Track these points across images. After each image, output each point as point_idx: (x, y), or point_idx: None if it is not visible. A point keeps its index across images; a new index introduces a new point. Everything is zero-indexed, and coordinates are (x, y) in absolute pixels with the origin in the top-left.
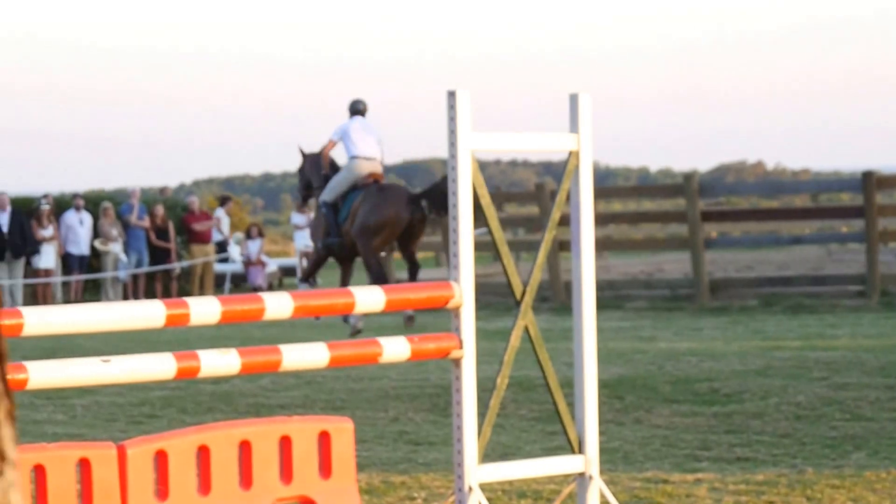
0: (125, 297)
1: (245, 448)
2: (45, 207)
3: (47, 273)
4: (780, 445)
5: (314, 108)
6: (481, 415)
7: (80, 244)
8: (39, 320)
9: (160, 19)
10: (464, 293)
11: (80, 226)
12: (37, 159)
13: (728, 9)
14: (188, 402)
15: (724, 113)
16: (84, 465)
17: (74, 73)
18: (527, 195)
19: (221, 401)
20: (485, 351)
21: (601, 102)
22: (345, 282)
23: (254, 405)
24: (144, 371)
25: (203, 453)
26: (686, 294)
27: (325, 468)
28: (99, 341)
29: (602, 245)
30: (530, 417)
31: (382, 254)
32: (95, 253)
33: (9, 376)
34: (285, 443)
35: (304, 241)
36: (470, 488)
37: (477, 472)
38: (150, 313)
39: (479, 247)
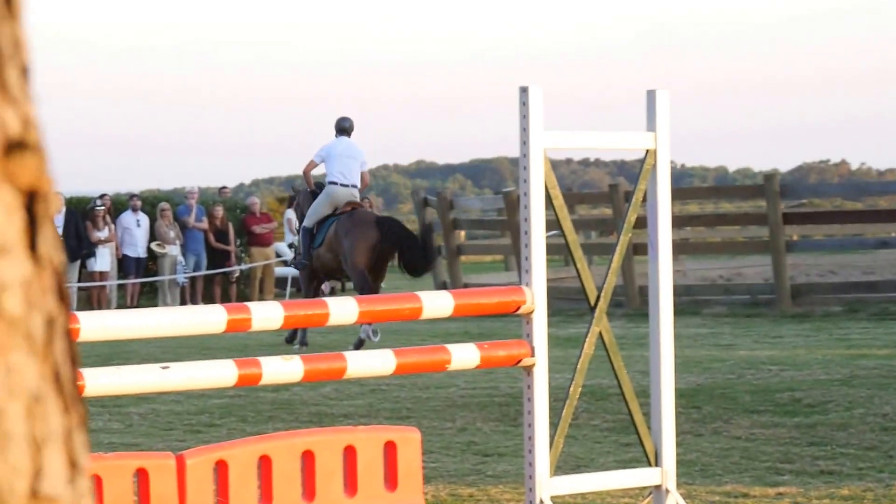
0: (182, 302)
1: (308, 459)
2: (100, 208)
3: (102, 276)
4: (865, 458)
5: (377, 106)
6: (553, 425)
7: (137, 246)
8: (97, 325)
9: (215, 18)
10: (536, 298)
11: (136, 227)
12: (92, 158)
13: None
14: (248, 410)
15: (806, 109)
16: (141, 476)
17: (130, 73)
18: (599, 196)
19: (283, 409)
20: (556, 358)
21: (675, 98)
22: (315, 294)
23: (316, 414)
24: (204, 378)
25: (264, 464)
26: (766, 300)
27: (391, 480)
28: (154, 347)
29: (678, 248)
30: (604, 428)
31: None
32: (152, 256)
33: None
34: (350, 453)
35: None
36: (541, 501)
37: (549, 485)
38: (210, 318)
39: (549, 250)
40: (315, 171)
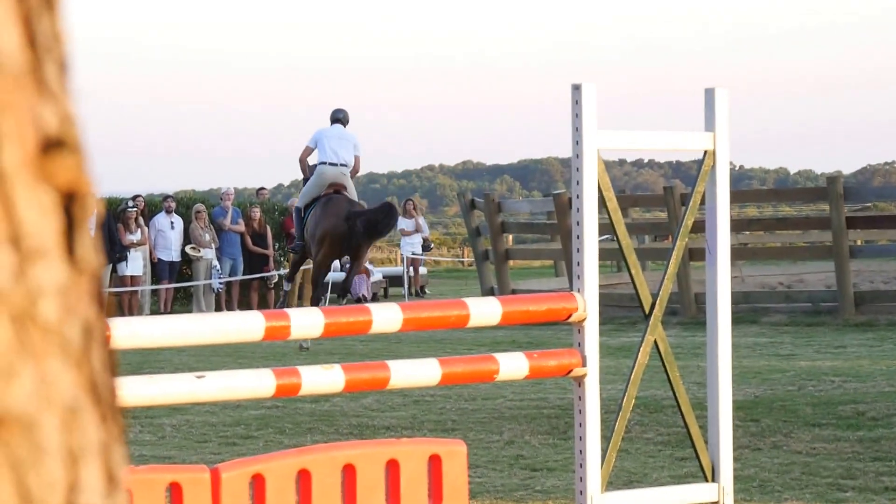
0: (218, 308)
1: (349, 472)
2: (133, 210)
3: (134, 281)
4: None
5: (422, 105)
6: (605, 438)
7: (171, 250)
8: (129, 332)
9: (255, 20)
10: (588, 305)
11: (170, 230)
12: (125, 158)
13: None
14: (286, 422)
15: (871, 109)
16: (175, 490)
17: (165, 72)
18: (654, 198)
19: (322, 421)
20: (608, 369)
21: (734, 96)
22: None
23: (357, 426)
24: (241, 388)
25: (303, 478)
26: (829, 308)
27: (436, 495)
28: (188, 355)
29: (737, 254)
30: (658, 442)
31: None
32: (186, 259)
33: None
34: (392, 467)
35: (410, 247)
36: None
37: (600, 501)
38: (248, 325)
39: (601, 255)
40: (311, 159)
